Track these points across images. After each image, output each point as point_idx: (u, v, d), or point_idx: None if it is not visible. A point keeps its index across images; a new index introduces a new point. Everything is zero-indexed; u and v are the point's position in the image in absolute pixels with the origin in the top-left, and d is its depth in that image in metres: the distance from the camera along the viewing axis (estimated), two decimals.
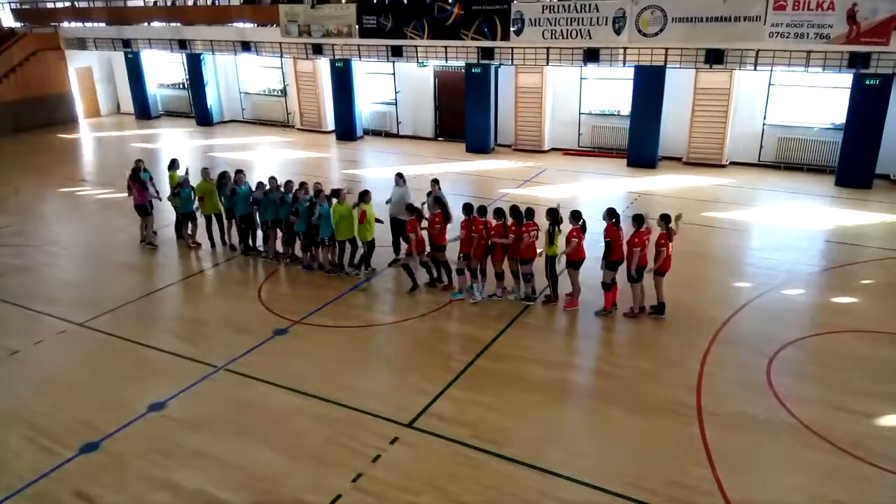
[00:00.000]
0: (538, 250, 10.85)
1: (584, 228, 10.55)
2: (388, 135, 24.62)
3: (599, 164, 20.30)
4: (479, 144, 21.90)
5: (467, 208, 10.91)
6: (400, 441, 7.67)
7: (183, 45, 26.12)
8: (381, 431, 7.83)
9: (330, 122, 25.13)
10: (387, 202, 12.78)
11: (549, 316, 10.90)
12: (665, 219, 10.31)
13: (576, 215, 10.50)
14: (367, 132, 24.81)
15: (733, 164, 19.60)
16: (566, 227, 10.57)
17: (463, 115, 22.20)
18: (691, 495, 6.74)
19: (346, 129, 24.21)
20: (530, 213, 10.77)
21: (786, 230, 14.38)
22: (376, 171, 20.08)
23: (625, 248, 10.26)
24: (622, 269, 10.40)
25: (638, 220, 10.23)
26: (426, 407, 8.29)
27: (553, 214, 10.58)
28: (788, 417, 7.98)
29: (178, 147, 24.20)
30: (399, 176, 12.79)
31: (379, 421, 8.04)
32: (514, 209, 10.83)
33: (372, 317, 10.97)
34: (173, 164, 13.97)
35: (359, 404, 8.36)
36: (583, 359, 9.78)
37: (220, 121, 27.71)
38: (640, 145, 19.64)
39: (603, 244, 10.44)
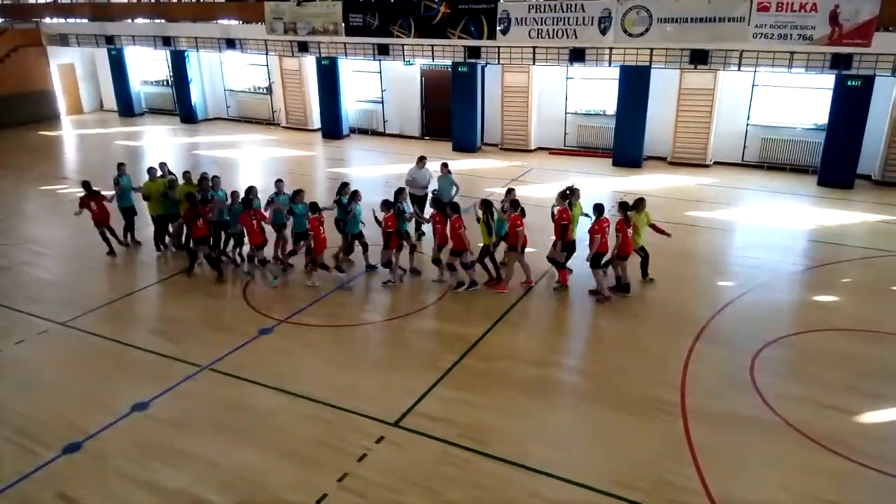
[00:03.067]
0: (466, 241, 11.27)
1: (523, 214, 11.29)
2: (374, 133, 24.56)
3: (585, 163, 20.38)
4: (466, 143, 21.91)
5: (455, 207, 11.40)
6: (386, 440, 7.65)
7: (167, 41, 25.89)
8: (368, 430, 7.81)
9: (316, 120, 25.02)
10: (434, 192, 13.33)
11: (536, 314, 10.94)
12: (623, 207, 10.98)
13: (515, 204, 11.20)
14: (353, 130, 24.73)
15: (717, 163, 19.75)
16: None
17: (449, 114, 22.19)
18: (676, 494, 6.78)
19: (333, 128, 24.11)
20: (455, 206, 11.25)
21: (769, 229, 14.52)
22: (362, 169, 20.03)
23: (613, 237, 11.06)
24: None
25: (598, 209, 11.00)
26: (413, 406, 8.28)
27: (486, 205, 11.25)
28: (771, 415, 8.05)
29: (161, 145, 24.00)
30: (444, 166, 13.67)
31: (365, 420, 8.01)
32: (436, 201, 11.75)
33: (359, 316, 10.94)
34: (152, 172, 13.10)
35: (345, 403, 8.33)
36: (569, 357, 9.81)
37: (205, 118, 27.50)
38: (626, 145, 19.75)
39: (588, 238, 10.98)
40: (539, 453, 7.40)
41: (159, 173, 13.08)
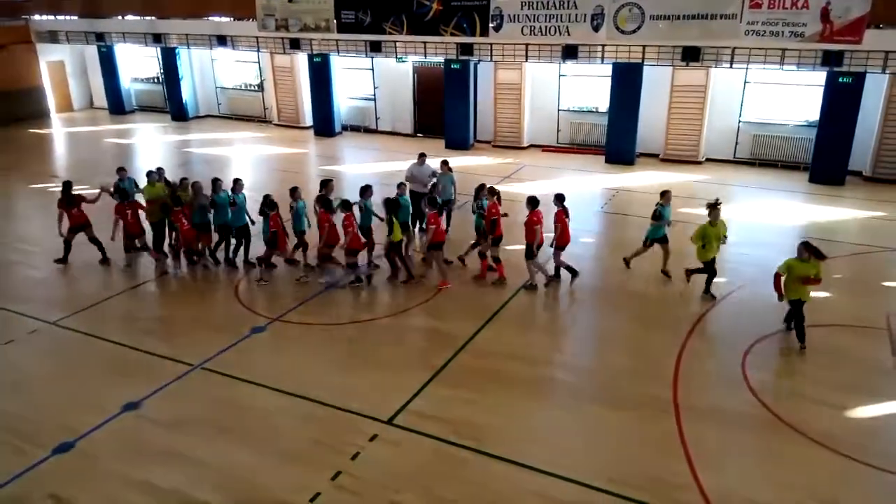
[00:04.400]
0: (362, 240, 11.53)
1: (440, 212, 11.62)
2: (367, 130, 24.50)
3: (578, 160, 20.39)
4: (459, 140, 21.88)
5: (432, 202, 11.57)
6: (380, 438, 7.64)
7: (158, 38, 25.71)
8: (361, 429, 7.80)
9: (308, 117, 24.92)
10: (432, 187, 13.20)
11: (529, 312, 10.95)
12: (560, 198, 11.26)
13: (432, 202, 11.37)
14: (345, 128, 24.66)
15: (709, 160, 19.80)
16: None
17: (442, 111, 22.16)
18: (669, 489, 6.81)
19: (325, 125, 24.03)
20: (347, 204, 11.21)
21: (760, 226, 14.57)
22: (355, 167, 19.97)
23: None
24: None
25: (533, 201, 11.17)
26: (406, 404, 8.27)
27: (389, 204, 11.33)
28: (763, 411, 8.09)
29: (152, 143, 23.86)
30: (444, 163, 13.60)
31: (358, 418, 8.00)
32: (323, 198, 11.50)
33: (351, 314, 10.92)
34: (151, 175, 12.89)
35: (338, 402, 8.31)
36: (562, 355, 9.83)
37: (196, 116, 27.34)
38: (618, 142, 19.77)
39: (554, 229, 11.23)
40: (533, 451, 7.41)
41: (157, 178, 12.88)
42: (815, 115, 18.00)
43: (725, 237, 10.76)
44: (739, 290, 11.28)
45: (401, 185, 12.40)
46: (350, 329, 10.40)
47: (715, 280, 10.98)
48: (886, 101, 16.92)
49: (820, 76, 17.35)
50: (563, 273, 11.65)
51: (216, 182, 12.28)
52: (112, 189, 12.71)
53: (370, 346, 10.03)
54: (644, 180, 18.12)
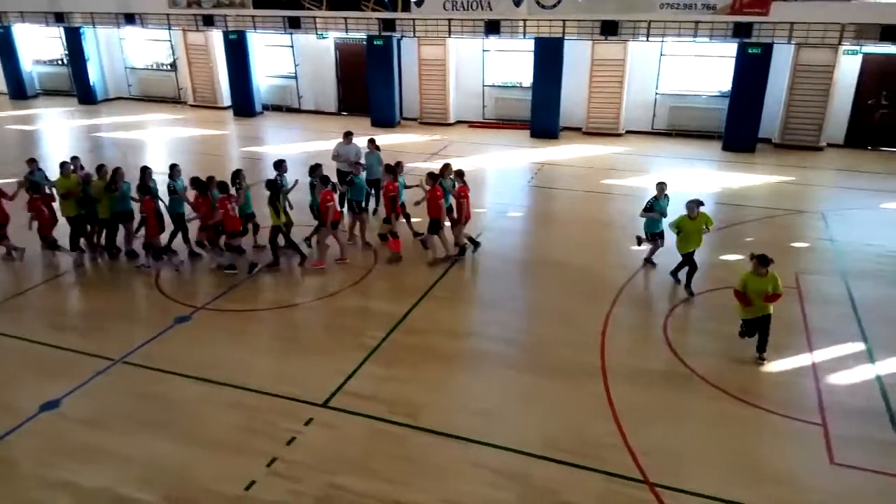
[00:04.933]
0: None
1: (334, 189, 11.63)
2: (289, 110, 23.88)
3: (504, 136, 20.56)
4: (384, 118, 21.65)
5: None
6: (315, 422, 7.57)
7: (60, 17, 24.15)
8: (296, 413, 7.70)
9: (226, 97, 24.07)
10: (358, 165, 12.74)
11: (461, 288, 11.04)
12: (460, 174, 11.57)
13: (325, 180, 11.35)
14: (266, 108, 23.96)
15: (629, 132, 20.36)
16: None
17: (366, 89, 21.83)
18: (600, 450, 7.06)
19: (244, 105, 23.27)
20: (224, 186, 11.05)
21: (678, 195, 15.05)
22: (279, 148, 19.46)
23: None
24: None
25: (433, 176, 11.35)
26: (341, 386, 8.22)
27: (270, 185, 11.17)
28: (684, 369, 8.49)
29: (58, 129, 22.50)
30: (371, 142, 13.61)
31: (292, 403, 7.90)
32: (196, 181, 11.25)
33: (280, 298, 10.70)
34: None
35: (270, 388, 8.17)
36: (493, 328, 9.95)
37: (105, 98, 25.94)
38: (542, 116, 20.03)
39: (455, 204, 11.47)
40: (468, 423, 7.52)
41: (72, 168, 12.05)
42: (727, 86, 18.76)
43: (709, 228, 10.25)
44: (660, 256, 11.69)
45: (356, 165, 12.42)
46: (280, 314, 10.20)
47: (632, 248, 11.34)
48: (793, 70, 17.79)
49: (731, 48, 18.05)
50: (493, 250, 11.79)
51: (174, 168, 11.74)
52: (24, 182, 11.92)
53: (301, 330, 9.89)
54: (568, 153, 18.46)
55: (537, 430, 7.42)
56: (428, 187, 11.32)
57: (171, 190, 11.52)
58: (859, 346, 9.00)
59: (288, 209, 11.50)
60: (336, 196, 11.51)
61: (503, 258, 11.75)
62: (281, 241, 11.50)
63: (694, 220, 10.07)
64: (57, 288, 11.20)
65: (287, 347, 9.39)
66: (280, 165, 12.07)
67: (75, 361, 8.82)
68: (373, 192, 13.37)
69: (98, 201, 11.43)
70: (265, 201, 11.23)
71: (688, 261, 10.36)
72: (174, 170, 11.69)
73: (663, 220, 11.01)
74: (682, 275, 10.57)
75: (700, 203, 10.15)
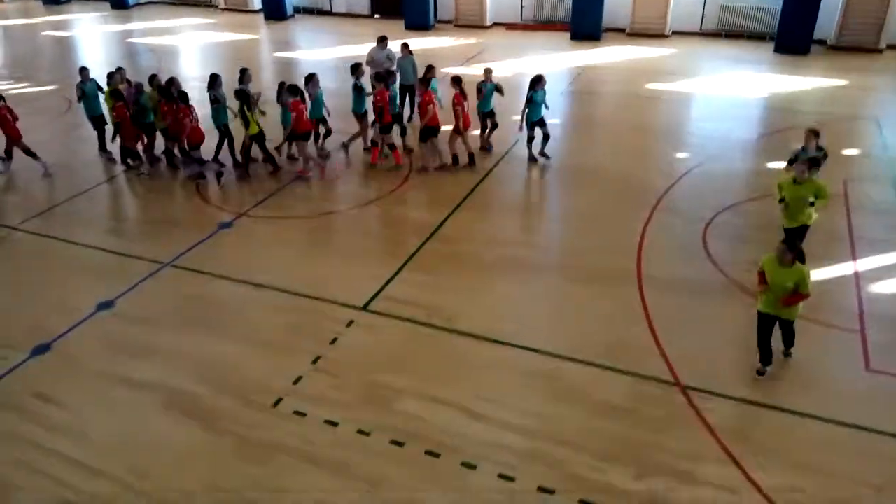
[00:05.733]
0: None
1: (403, 96, 12.13)
2: (320, 13, 23.28)
3: (542, 38, 19.79)
4: (419, 21, 20.98)
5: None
6: (356, 324, 7.84)
7: None
8: (337, 316, 7.97)
9: (257, 0, 23.51)
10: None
11: (496, 197, 10.99)
12: (456, 81, 11.22)
13: (292, 90, 10.97)
14: (297, 10, 23.38)
15: (676, 33, 19.40)
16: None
17: None
18: (634, 353, 7.18)
19: (275, 8, 22.75)
20: (184, 96, 10.98)
21: (725, 99, 14.56)
22: (312, 52, 19.12)
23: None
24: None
25: (426, 82, 11.27)
26: (379, 291, 8.43)
27: (239, 96, 10.86)
28: (722, 278, 8.45)
29: (93, 34, 22.39)
30: (405, 46, 13.15)
31: (333, 306, 8.16)
32: (162, 89, 11.20)
33: (317, 206, 10.84)
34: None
35: (312, 292, 8.43)
36: (530, 235, 9.99)
37: (137, 3, 25.59)
38: (584, 17, 19.16)
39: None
40: (504, 327, 7.69)
41: (120, 80, 11.94)
42: None
43: (813, 203, 7.78)
44: (704, 163, 11.42)
45: (357, 67, 11.84)
46: (318, 221, 10.36)
47: (677, 155, 11.05)
48: None
49: None
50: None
51: (216, 78, 11.49)
52: (78, 94, 12.04)
53: (339, 237, 10.06)
54: (611, 56, 17.75)
55: (570, 335, 7.56)
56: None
57: (213, 100, 11.47)
58: None
59: (259, 119, 11.22)
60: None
61: (540, 165, 11.61)
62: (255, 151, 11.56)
63: (800, 186, 7.63)
64: (100, 196, 11.49)
65: (325, 254, 9.61)
66: (244, 74, 11.48)
67: (126, 264, 9.19)
68: (407, 98, 13.16)
69: (152, 111, 11.50)
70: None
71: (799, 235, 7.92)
72: (216, 80, 11.53)
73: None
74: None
75: (812, 162, 7.68)
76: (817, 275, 8.43)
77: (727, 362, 7.06)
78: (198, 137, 11.08)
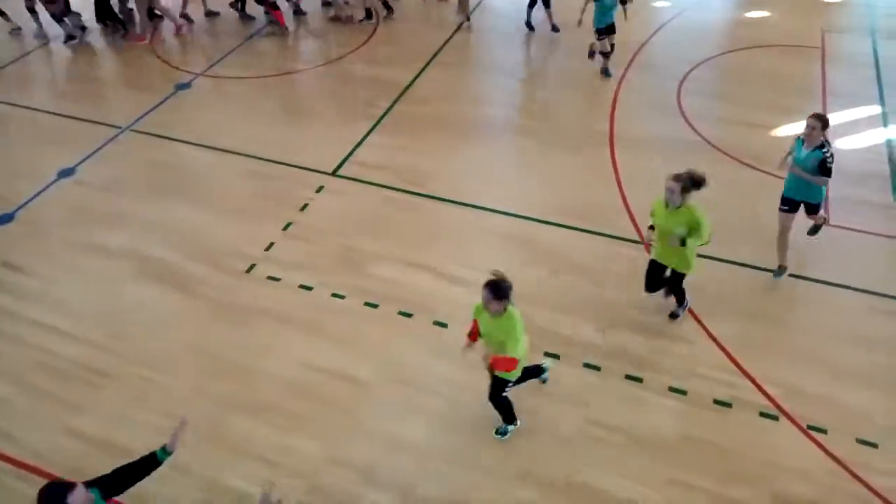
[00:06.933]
0: None
1: None
2: None
3: None
4: None
5: None
6: (326, 189, 7.76)
7: None
8: (306, 182, 7.87)
9: None
10: None
11: (468, 53, 10.56)
12: None
13: None
14: None
15: None
16: None
17: None
18: (604, 213, 7.28)
19: None
20: None
21: None
22: None
23: None
24: None
25: None
26: (348, 155, 8.27)
27: None
28: (693, 135, 8.43)
29: None
30: None
31: (302, 172, 8.02)
32: None
33: (280, 65, 10.32)
34: None
35: (279, 157, 8.25)
36: (503, 95, 9.71)
37: None
38: None
39: None
40: (476, 190, 7.67)
41: None
42: None
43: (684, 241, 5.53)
44: (681, 14, 10.97)
45: None
46: (281, 81, 9.92)
47: (654, 5, 10.57)
48: None
49: None
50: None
51: None
52: None
53: (305, 99, 9.70)
54: None
55: (544, 197, 7.59)
56: None
57: None
58: (875, 110, 8.81)
59: None
60: None
61: (516, 20, 11.03)
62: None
63: (671, 215, 5.49)
64: (50, 57, 10.77)
65: (291, 116, 9.30)
66: None
67: (83, 129, 8.82)
68: None
69: None
70: None
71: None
72: None
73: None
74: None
75: (693, 183, 5.42)
76: (785, 130, 8.44)
77: None
78: None
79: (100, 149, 8.45)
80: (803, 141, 6.03)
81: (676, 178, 5.36)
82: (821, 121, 5.86)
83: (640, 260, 6.49)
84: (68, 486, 3.04)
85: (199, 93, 9.59)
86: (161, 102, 9.29)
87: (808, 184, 6.05)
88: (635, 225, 7.12)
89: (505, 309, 4.46)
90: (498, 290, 4.38)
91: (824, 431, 5.15)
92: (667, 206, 5.47)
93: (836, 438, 5.10)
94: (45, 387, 5.61)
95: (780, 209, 6.27)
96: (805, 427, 5.19)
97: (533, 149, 8.38)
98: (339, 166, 8.09)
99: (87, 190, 7.85)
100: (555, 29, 10.61)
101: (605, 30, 9.24)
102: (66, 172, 8.07)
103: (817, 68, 9.59)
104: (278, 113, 9.32)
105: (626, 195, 7.53)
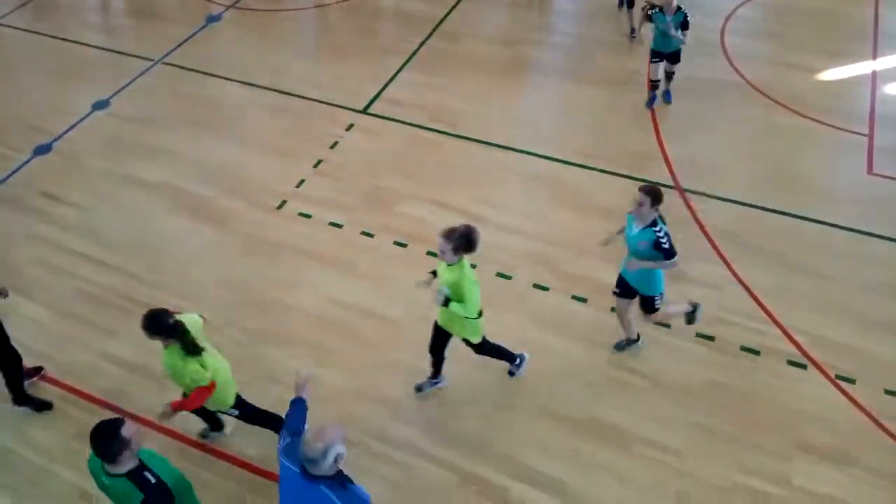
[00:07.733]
0: None
1: None
2: None
3: None
4: None
5: None
6: (356, 127, 7.72)
7: None
8: (337, 119, 7.82)
9: None
10: None
11: None
12: None
13: None
14: None
15: None
16: None
17: None
18: (637, 159, 7.15)
19: None
20: None
21: None
22: None
23: None
24: None
25: None
26: (379, 92, 8.18)
27: None
28: (736, 77, 8.14)
29: None
30: None
31: (333, 108, 7.97)
32: None
33: None
34: None
35: (310, 93, 8.19)
36: (539, 33, 9.43)
37: None
38: None
39: None
40: (506, 131, 7.57)
41: None
42: None
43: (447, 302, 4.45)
44: None
45: None
46: (313, 14, 9.75)
47: None
48: None
49: None
50: None
51: None
52: None
53: (335, 34, 9.54)
54: None
55: (577, 139, 7.47)
56: None
57: None
58: None
59: None
60: None
61: None
62: None
63: (447, 269, 4.38)
64: None
65: (323, 51, 9.18)
66: None
67: (116, 62, 8.83)
68: None
69: None
70: None
71: None
72: None
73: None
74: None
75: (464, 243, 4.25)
76: (832, 74, 8.11)
77: (731, 165, 7.06)
78: None
79: (132, 81, 8.47)
80: (635, 217, 4.71)
81: (448, 234, 4.19)
82: (650, 195, 4.47)
83: (671, 206, 6.40)
84: (119, 421, 3.20)
85: (229, 25, 9.49)
86: (192, 35, 9.22)
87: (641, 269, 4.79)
88: (670, 169, 6.99)
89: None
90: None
91: (852, 381, 5.13)
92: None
93: (864, 389, 5.08)
94: (84, 314, 5.79)
95: (612, 291, 5.20)
96: (833, 376, 5.17)
97: (566, 90, 8.20)
98: (370, 104, 8.01)
99: (122, 122, 7.91)
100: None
101: (659, 54, 7.60)
102: (100, 105, 8.12)
103: (870, 9, 9.11)
104: (309, 48, 9.20)
105: (663, 139, 7.35)
